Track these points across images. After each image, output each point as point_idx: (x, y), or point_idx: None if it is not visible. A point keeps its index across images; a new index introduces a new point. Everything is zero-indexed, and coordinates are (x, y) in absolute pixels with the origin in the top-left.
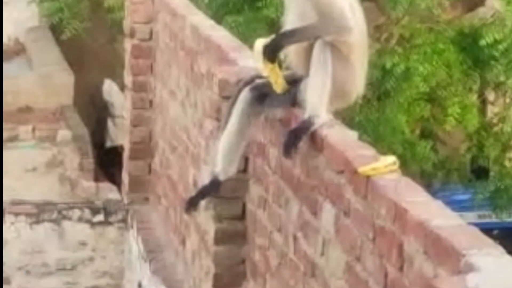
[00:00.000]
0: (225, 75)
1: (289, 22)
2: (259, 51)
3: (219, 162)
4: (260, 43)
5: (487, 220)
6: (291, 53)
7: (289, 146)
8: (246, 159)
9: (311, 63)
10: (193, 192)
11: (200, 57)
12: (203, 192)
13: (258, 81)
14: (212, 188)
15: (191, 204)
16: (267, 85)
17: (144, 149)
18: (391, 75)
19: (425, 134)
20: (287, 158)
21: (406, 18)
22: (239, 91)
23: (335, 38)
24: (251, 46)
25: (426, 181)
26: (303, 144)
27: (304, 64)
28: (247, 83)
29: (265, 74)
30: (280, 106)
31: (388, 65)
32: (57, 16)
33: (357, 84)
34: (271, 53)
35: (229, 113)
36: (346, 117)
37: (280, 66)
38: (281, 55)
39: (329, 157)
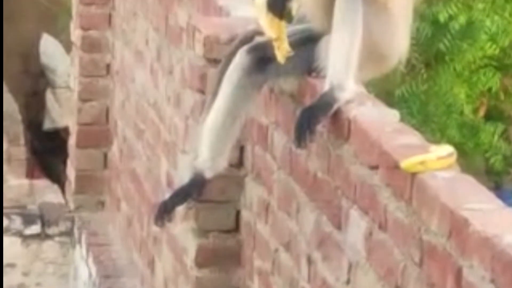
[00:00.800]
0: (212, 29)
1: None
2: (262, 2)
3: (204, 152)
4: None
5: None
6: (306, 2)
7: (303, 129)
8: (241, 149)
9: (335, 13)
10: (166, 194)
11: (177, 4)
12: (181, 194)
13: (258, 39)
14: (194, 189)
15: (164, 212)
16: (271, 45)
17: (97, 133)
18: (446, 32)
19: (493, 115)
20: (300, 146)
21: None
22: (233, 53)
23: None
24: None
25: (494, 181)
26: (322, 128)
27: (323, 15)
28: (243, 41)
29: (268, 33)
30: (290, 75)
31: (443, 17)
32: None
33: (398, 42)
34: (278, 3)
35: (218, 84)
36: (383, 90)
37: (289, 20)
38: (292, 4)
39: (359, 146)
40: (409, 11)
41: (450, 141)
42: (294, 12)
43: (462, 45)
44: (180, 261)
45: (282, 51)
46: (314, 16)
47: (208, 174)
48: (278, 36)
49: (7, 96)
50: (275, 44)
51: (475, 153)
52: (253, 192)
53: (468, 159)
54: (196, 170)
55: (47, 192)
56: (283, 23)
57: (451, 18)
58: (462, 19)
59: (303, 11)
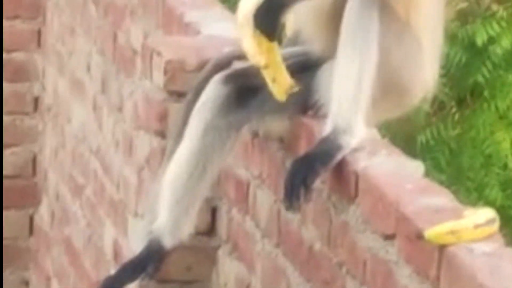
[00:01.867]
0: (176, 52)
1: None
2: (247, 16)
3: (163, 214)
4: (249, 5)
5: None
6: (304, 17)
7: (295, 187)
8: (213, 211)
9: (341, 32)
10: (112, 270)
11: (130, 18)
12: (133, 269)
13: (237, 64)
14: (150, 262)
15: None
16: (255, 72)
17: (21, 189)
18: (486, 59)
19: None
20: (291, 210)
21: None
22: (203, 83)
23: None
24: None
25: None
26: (321, 185)
27: (326, 34)
28: (217, 68)
29: (254, 58)
30: (280, 113)
31: (481, 39)
32: None
33: (424, 73)
34: (270, 18)
35: (183, 124)
36: (403, 135)
37: (279, 41)
38: (287, 19)
39: (370, 209)
40: (438, 31)
41: (490, 204)
42: (288, 30)
43: (506, 77)
44: None
45: (282, 85)
46: (314, 36)
47: (168, 243)
48: (270, 63)
49: None
50: (267, 74)
51: None
52: (229, 269)
53: None
54: (153, 237)
55: None
56: (276, 45)
57: (491, 40)
58: (506, 42)
59: (298, 29)
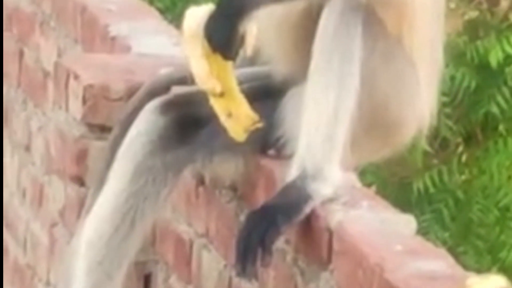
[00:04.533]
0: (98, 75)
1: None
2: (196, 28)
3: (80, 284)
4: (198, 15)
5: None
6: (266, 30)
7: (251, 249)
8: (146, 279)
9: (314, 52)
10: None
11: (39, 31)
12: None
13: (177, 90)
14: None
15: None
16: (200, 99)
17: None
18: (501, 83)
19: None
20: (245, 277)
21: None
22: (134, 114)
23: None
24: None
25: None
26: (284, 245)
27: (295, 54)
28: (151, 94)
29: (204, 82)
30: (232, 152)
31: (495, 59)
32: None
33: (419, 103)
34: (225, 32)
35: (107, 167)
36: (396, 180)
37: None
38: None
39: (347, 276)
40: (437, 50)
41: (506, 269)
42: (247, 46)
43: None
44: None
45: (240, 120)
46: (278, 54)
47: None
48: (225, 89)
49: None
50: (221, 104)
51: None
52: None
53: None
54: None
55: None
56: (231, 65)
57: (508, 60)
58: None
59: (259, 45)
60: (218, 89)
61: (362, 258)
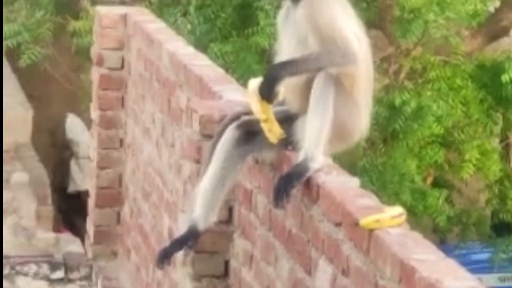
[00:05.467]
0: (207, 110)
1: (284, 51)
2: (254, 89)
3: (198, 209)
4: (255, 82)
5: (509, 283)
6: (286, 87)
7: (280, 193)
8: (230, 209)
9: (311, 98)
10: (167, 244)
11: (178, 90)
12: (179, 242)
13: (245, 117)
14: (190, 238)
15: (165, 257)
16: (256, 122)
17: (112, 195)
18: (400, 114)
19: (439, 183)
20: (277, 207)
21: (418, 48)
22: (223, 129)
23: (340, 70)
24: (240, 78)
25: (439, 237)
26: (296, 192)
27: (301, 99)
28: (232, 119)
29: (258, 114)
30: (271, 148)
31: (397, 102)
32: (14, 39)
33: (361, 123)
34: (268, 90)
35: (211, 155)
36: (347, 161)
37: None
38: (279, 90)
39: (326, 207)
40: (369, 96)
41: (403, 204)
42: (280, 96)
43: (413, 125)
44: None
45: (274, 133)
46: (294, 100)
47: (201, 227)
48: (267, 118)
49: (37, 164)
50: (265, 125)
51: (423, 214)
52: (239, 244)
53: (418, 219)
54: (192, 223)
55: (70, 244)
56: (271, 106)
57: (404, 103)
58: (413, 103)
59: (283, 96)
60: (263, 117)
61: (333, 198)
